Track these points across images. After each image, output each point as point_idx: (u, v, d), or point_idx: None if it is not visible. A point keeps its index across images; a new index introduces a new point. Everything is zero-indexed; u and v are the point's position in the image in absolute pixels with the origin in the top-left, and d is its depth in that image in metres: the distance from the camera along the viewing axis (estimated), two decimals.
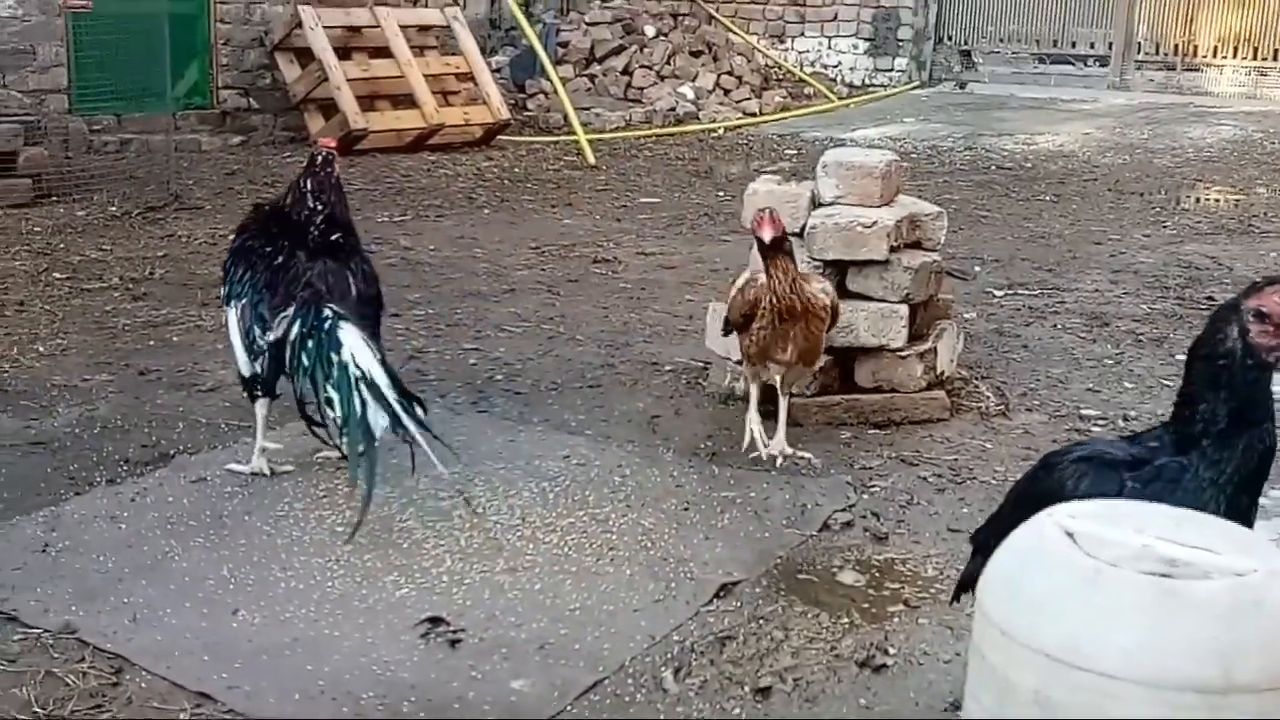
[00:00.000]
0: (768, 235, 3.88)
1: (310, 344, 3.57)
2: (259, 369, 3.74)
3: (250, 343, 3.75)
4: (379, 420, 3.39)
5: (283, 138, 10.90)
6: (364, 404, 3.40)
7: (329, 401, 3.50)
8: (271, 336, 3.68)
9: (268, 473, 3.84)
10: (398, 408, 3.40)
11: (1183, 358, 2.48)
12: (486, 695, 2.75)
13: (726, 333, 4.30)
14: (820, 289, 4.03)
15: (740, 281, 4.17)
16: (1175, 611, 1.86)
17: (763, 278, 3.98)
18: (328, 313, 3.60)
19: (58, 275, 6.26)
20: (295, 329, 3.62)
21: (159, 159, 8.77)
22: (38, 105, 8.71)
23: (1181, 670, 1.82)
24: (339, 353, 3.50)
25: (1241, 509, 2.31)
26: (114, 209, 7.80)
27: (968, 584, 2.82)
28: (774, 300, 3.91)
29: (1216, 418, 2.30)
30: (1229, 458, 2.29)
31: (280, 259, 3.81)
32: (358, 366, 3.46)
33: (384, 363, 3.52)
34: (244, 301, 3.79)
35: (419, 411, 3.46)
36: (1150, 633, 1.84)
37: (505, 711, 2.70)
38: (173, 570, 3.26)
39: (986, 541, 2.73)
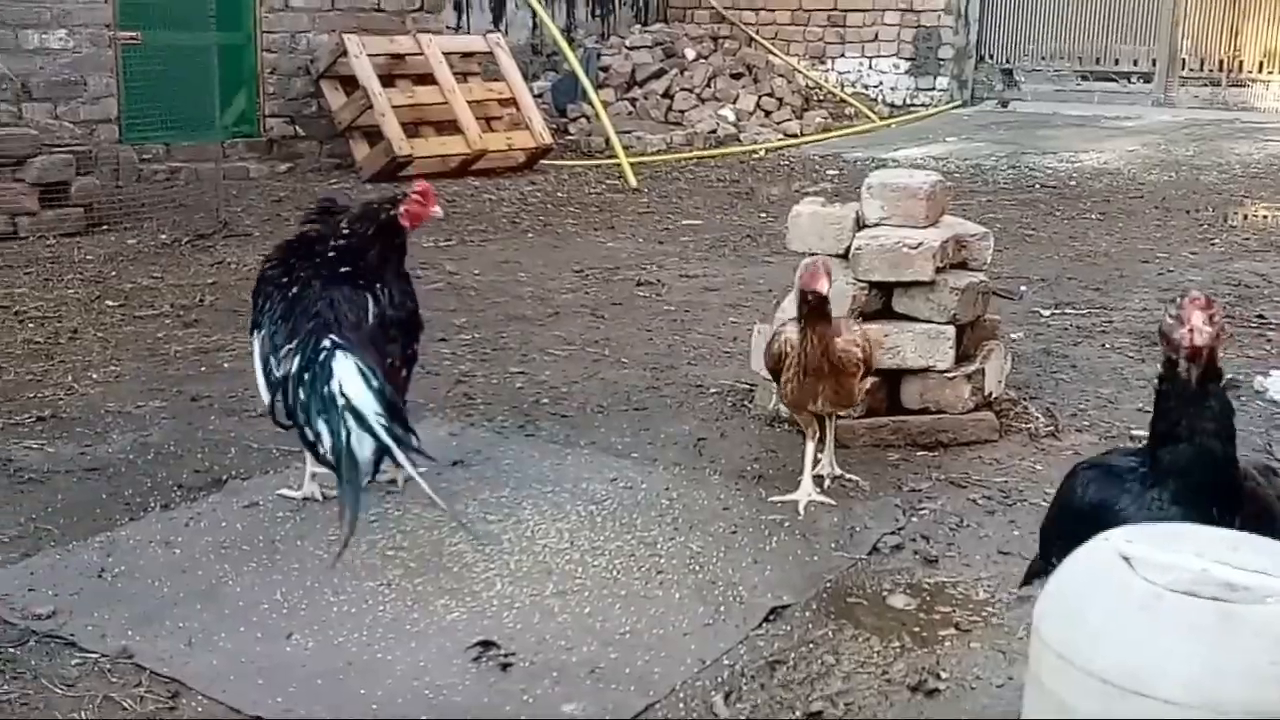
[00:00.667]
0: (825, 287, 3.67)
1: (306, 377, 3.50)
2: (276, 400, 3.67)
3: (268, 374, 3.72)
4: (364, 449, 3.31)
5: (329, 164, 11.02)
6: (349, 432, 3.34)
7: (319, 435, 3.41)
8: (279, 372, 3.63)
9: (319, 497, 3.86)
10: (385, 436, 3.31)
11: (1231, 376, 2.53)
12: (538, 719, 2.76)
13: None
14: (852, 341, 3.87)
15: (769, 331, 4.07)
16: (1234, 636, 1.84)
17: (788, 331, 3.87)
18: (326, 344, 3.51)
19: (110, 303, 6.36)
20: (295, 363, 3.55)
21: (208, 187, 8.89)
22: (89, 135, 8.85)
23: (1241, 695, 1.81)
24: (329, 383, 3.42)
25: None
26: (164, 237, 7.92)
27: (1039, 573, 2.84)
28: (803, 358, 3.82)
29: (1156, 432, 2.51)
30: (1173, 469, 2.44)
31: (295, 289, 3.77)
32: (344, 395, 3.38)
33: (380, 391, 3.40)
34: (264, 332, 3.78)
35: (413, 441, 3.36)
36: (1209, 658, 1.83)
37: None
38: (227, 595, 3.30)
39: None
